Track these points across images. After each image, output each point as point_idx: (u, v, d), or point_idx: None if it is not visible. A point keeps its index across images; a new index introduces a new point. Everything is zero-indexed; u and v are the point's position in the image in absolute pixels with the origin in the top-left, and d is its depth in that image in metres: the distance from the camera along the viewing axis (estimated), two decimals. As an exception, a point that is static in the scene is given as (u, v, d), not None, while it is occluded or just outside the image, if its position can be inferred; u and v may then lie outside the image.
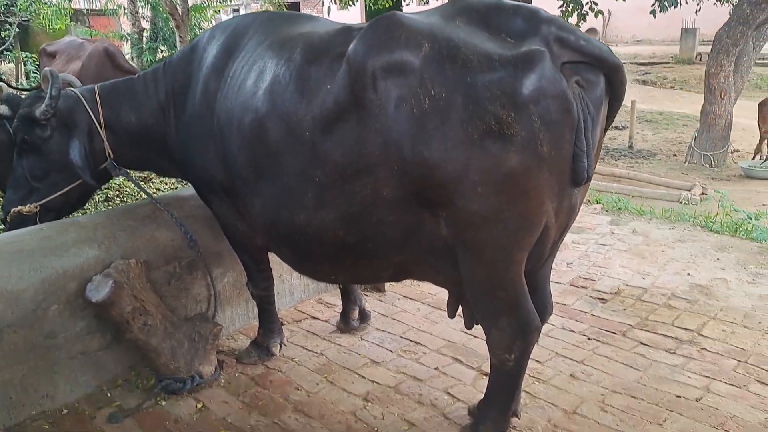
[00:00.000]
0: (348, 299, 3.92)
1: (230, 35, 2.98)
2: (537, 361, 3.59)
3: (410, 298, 4.44)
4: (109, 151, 3.31)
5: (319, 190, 2.53)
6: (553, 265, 4.50)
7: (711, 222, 5.73)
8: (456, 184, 2.28)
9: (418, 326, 4.03)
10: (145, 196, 3.56)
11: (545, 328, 3.86)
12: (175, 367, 3.33)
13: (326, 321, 4.11)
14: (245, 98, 2.71)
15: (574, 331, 3.94)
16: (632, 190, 9.24)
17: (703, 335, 3.85)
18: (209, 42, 3.05)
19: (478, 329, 2.86)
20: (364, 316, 3.97)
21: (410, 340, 3.86)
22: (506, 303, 2.55)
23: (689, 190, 9.15)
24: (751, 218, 5.65)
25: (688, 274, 4.74)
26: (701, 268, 4.84)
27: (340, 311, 4.09)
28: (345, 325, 3.94)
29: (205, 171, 3.06)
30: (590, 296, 4.42)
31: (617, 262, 5.00)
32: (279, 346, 3.66)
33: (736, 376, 3.42)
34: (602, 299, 4.37)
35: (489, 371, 2.83)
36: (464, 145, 2.23)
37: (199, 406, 3.25)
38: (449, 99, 2.23)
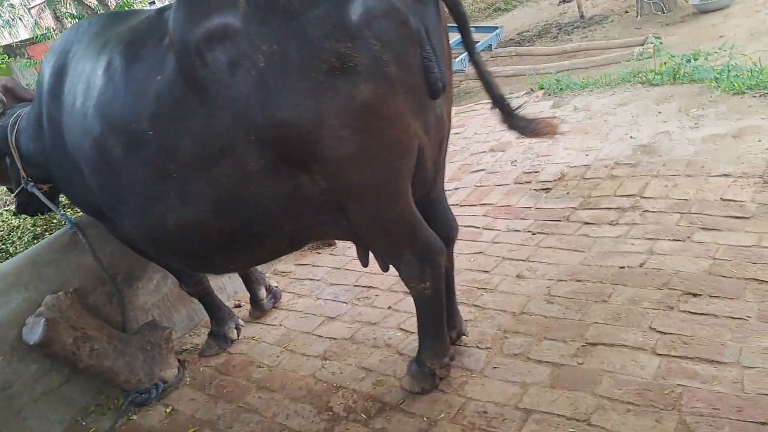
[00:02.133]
0: (250, 282, 3.84)
1: (59, 54, 2.84)
2: (484, 271, 3.58)
3: (361, 243, 4.42)
4: (22, 173, 3.28)
5: (181, 186, 2.45)
6: (498, 167, 4.47)
7: (652, 75, 5.57)
8: (316, 135, 2.19)
9: (370, 270, 4.01)
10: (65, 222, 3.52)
11: (490, 235, 3.88)
12: (136, 380, 3.36)
13: (283, 290, 4.11)
14: (79, 121, 2.61)
15: (519, 230, 3.90)
16: (586, 62, 9.02)
17: (645, 197, 3.80)
18: (45, 65, 2.93)
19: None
20: (274, 295, 3.93)
21: (363, 287, 3.86)
22: (403, 236, 2.51)
23: (642, 45, 8.91)
24: (689, 60, 5.48)
25: (631, 137, 4.65)
26: (643, 127, 4.74)
27: (294, 278, 4.10)
28: (257, 309, 3.88)
29: (76, 199, 3.00)
30: (534, 189, 4.37)
31: (561, 146, 4.91)
32: (235, 330, 3.67)
33: (679, 230, 3.39)
34: (546, 189, 4.32)
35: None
36: (312, 92, 2.13)
37: (168, 410, 3.30)
38: (283, 50, 2.10)
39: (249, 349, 3.61)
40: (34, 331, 3.13)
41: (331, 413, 2.88)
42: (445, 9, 2.41)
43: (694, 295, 2.89)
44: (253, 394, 3.20)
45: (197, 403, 3.29)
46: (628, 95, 5.40)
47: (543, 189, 4.33)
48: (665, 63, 5.62)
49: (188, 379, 3.50)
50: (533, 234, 3.81)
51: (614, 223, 3.65)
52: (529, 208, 4.14)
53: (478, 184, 4.73)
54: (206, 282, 3.58)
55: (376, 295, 3.72)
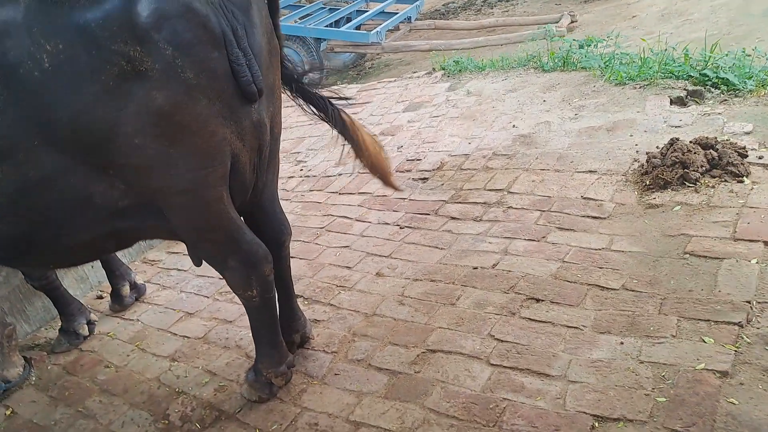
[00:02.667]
0: (114, 276, 3.69)
1: None
2: (347, 267, 3.52)
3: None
4: None
5: None
6: (384, 152, 4.40)
7: (546, 60, 5.57)
8: (110, 142, 2.03)
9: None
10: None
11: (360, 227, 3.82)
12: (-26, 381, 3.19)
13: (148, 281, 3.96)
14: None
15: (388, 224, 3.85)
16: (500, 39, 8.98)
17: (512, 192, 3.80)
18: None
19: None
20: (138, 290, 3.78)
21: (227, 280, 3.75)
22: (223, 243, 2.42)
23: (556, 23, 8.93)
24: (581, 46, 5.50)
25: (513, 125, 4.64)
26: (527, 115, 4.74)
27: (162, 268, 3.95)
28: (118, 304, 3.72)
29: None
30: (413, 179, 4.31)
31: (447, 132, 4.87)
32: (86, 326, 3.51)
33: (536, 229, 3.40)
34: (424, 179, 4.27)
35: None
36: (103, 96, 1.96)
37: (8, 413, 3.12)
38: (69, 49, 1.91)
39: (101, 346, 3.46)
40: None
41: (166, 422, 2.78)
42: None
43: (537, 300, 2.90)
44: (94, 397, 3.07)
45: (37, 405, 3.13)
46: (518, 81, 5.38)
47: (421, 179, 4.28)
48: (559, 48, 5.62)
49: (34, 378, 3.33)
50: (401, 228, 3.77)
51: (478, 219, 3.63)
52: (404, 199, 4.09)
53: (360, 172, 4.64)
54: (53, 276, 3.39)
55: (238, 291, 3.61)
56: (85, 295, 3.92)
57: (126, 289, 3.67)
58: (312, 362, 2.91)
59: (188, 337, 3.32)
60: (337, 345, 2.96)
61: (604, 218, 3.35)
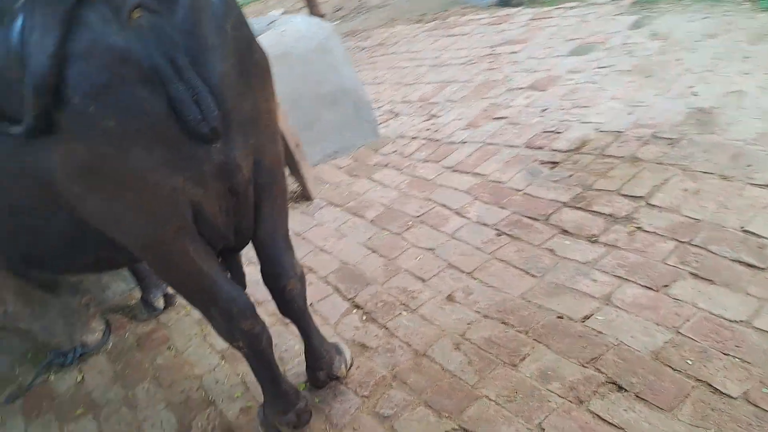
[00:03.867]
0: (145, 284, 3.47)
1: None
2: (420, 278, 2.99)
3: (334, 204, 3.92)
4: None
5: None
6: (524, 116, 3.71)
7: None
8: (58, 192, 1.79)
9: (323, 244, 3.56)
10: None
11: (454, 224, 3.28)
12: (56, 342, 3.35)
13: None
14: None
15: (487, 225, 3.18)
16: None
17: (651, 204, 2.88)
18: None
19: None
20: (169, 300, 3.52)
21: (305, 266, 3.43)
22: (199, 295, 2.11)
23: None
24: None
25: (694, 93, 3.53)
26: (717, 77, 3.56)
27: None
28: (148, 312, 3.49)
29: None
30: (540, 161, 3.51)
31: (608, 93, 3.88)
32: (162, 299, 3.47)
33: (661, 271, 2.52)
34: (553, 162, 3.45)
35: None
36: (30, 148, 1.71)
37: (79, 378, 3.25)
38: None
39: (175, 321, 3.41)
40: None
41: (185, 436, 2.64)
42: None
43: (619, 388, 2.15)
44: (145, 384, 3.03)
45: (102, 378, 3.20)
46: (722, 22, 4.07)
47: (550, 162, 3.46)
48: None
49: (110, 345, 3.41)
50: (498, 235, 3.08)
51: (593, 239, 2.82)
52: (518, 191, 3.34)
53: (487, 141, 3.92)
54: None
55: (310, 282, 3.25)
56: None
57: (160, 302, 3.48)
58: (339, 404, 2.51)
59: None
60: (371, 388, 2.52)
61: (763, 270, 2.37)
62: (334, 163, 4.35)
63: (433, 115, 4.55)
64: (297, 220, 3.87)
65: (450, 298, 2.81)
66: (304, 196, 4.04)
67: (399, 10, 7.95)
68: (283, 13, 7.83)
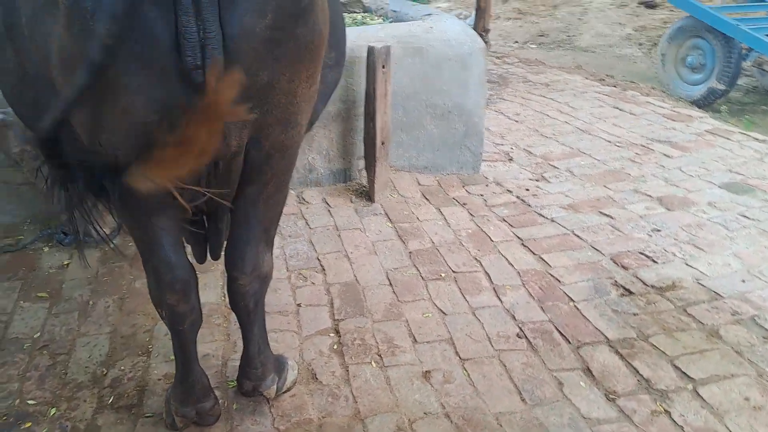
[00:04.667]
0: None
1: None
2: (413, 337, 2.63)
3: (388, 217, 3.60)
4: None
5: None
6: (628, 226, 3.28)
7: None
8: None
9: (351, 251, 3.26)
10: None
11: (479, 299, 2.87)
12: (65, 219, 3.30)
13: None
14: None
15: (514, 319, 2.74)
16: None
17: (698, 393, 2.33)
18: None
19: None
20: None
21: (323, 262, 3.17)
22: (140, 243, 1.93)
23: None
24: None
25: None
26: None
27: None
28: None
29: None
30: (615, 281, 3.00)
31: (735, 249, 3.26)
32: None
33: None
34: (627, 290, 2.93)
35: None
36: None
37: (65, 262, 3.19)
38: None
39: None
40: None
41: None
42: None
43: None
44: (108, 300, 2.91)
45: (81, 273, 3.10)
46: None
47: (624, 288, 2.95)
48: None
49: (112, 244, 3.30)
50: (519, 336, 2.64)
51: (611, 397, 2.33)
52: (571, 301, 2.87)
53: (576, 232, 3.44)
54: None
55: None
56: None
57: None
58: (251, 423, 2.23)
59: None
60: (291, 425, 2.22)
61: None
62: (416, 176, 4.02)
63: (544, 178, 4.10)
64: (345, 214, 3.60)
65: (426, 375, 2.44)
66: (367, 195, 3.76)
67: (595, 61, 7.41)
68: (455, 13, 7.56)
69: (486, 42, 4.99)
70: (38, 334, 2.63)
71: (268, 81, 1.59)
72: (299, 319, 2.74)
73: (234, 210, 1.92)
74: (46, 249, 3.28)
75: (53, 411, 2.22)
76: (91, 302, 2.86)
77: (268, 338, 2.30)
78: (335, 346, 2.59)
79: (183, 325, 1.97)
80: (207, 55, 1.42)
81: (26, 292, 2.92)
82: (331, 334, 2.66)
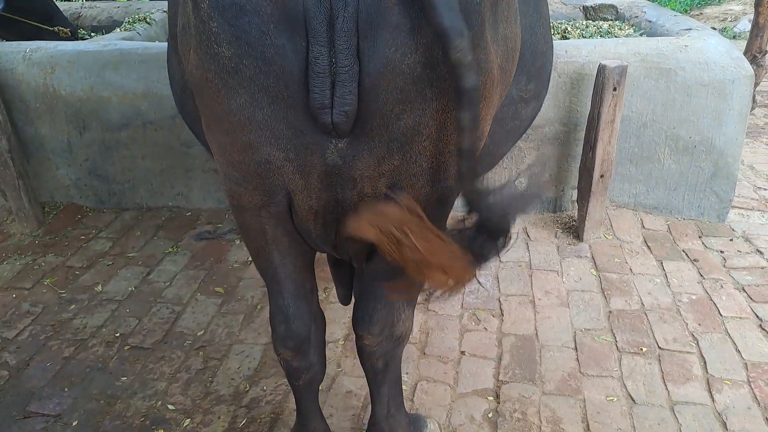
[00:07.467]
0: None
1: None
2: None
3: (594, 262, 3.07)
4: None
5: None
6: None
7: None
8: None
9: (524, 294, 2.84)
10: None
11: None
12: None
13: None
14: None
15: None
16: None
17: None
18: None
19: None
20: None
21: (488, 306, 2.80)
22: (266, 282, 1.73)
23: None
24: None
25: None
26: None
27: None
28: None
29: None
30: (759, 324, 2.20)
31: None
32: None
33: None
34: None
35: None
36: None
37: (250, 259, 3.23)
38: None
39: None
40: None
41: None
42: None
43: None
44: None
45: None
46: None
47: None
48: None
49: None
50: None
51: None
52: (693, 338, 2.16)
53: None
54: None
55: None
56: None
57: None
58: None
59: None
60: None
61: None
62: (640, 217, 3.41)
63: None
64: (543, 251, 3.17)
65: None
66: (575, 232, 3.27)
67: None
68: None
69: (760, 65, 4.08)
70: (202, 332, 2.68)
71: (415, 123, 1.29)
72: (458, 370, 2.43)
73: (367, 258, 1.67)
74: (237, 242, 3.37)
75: (187, 422, 2.21)
76: (259, 306, 2.85)
77: (418, 386, 2.05)
78: (490, 414, 2.23)
79: (298, 381, 1.81)
80: (338, 93, 1.18)
81: (206, 284, 3.01)
82: (490, 398, 2.30)
